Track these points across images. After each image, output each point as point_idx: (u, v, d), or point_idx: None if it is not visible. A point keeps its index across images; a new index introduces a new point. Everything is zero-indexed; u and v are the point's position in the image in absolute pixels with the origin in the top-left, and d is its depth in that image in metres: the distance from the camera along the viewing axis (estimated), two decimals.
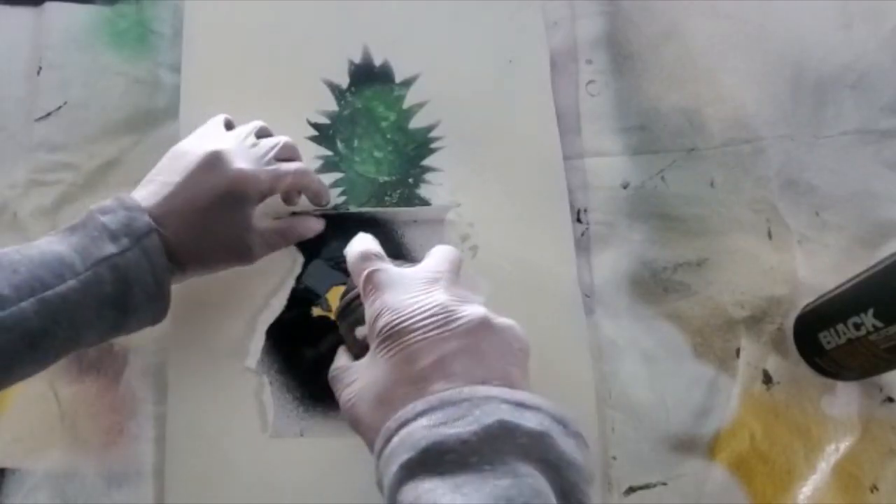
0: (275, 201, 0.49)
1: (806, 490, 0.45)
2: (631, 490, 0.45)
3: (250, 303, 0.48)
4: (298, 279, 0.49)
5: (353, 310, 0.40)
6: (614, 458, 0.46)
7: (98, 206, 0.39)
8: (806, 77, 0.56)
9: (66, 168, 0.51)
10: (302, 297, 0.48)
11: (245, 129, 0.46)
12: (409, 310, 0.34)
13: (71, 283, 0.36)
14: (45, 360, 0.37)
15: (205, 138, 0.45)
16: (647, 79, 0.55)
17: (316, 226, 0.49)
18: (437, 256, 0.39)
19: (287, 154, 0.47)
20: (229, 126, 0.48)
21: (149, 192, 0.41)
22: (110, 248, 0.38)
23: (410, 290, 0.36)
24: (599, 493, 0.45)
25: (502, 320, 0.35)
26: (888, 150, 0.54)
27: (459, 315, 0.34)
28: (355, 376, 0.37)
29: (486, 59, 0.55)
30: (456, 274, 0.38)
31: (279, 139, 0.47)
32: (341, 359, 0.40)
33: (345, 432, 0.45)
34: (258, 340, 0.47)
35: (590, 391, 0.47)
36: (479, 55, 0.55)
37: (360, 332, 0.39)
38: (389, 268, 0.38)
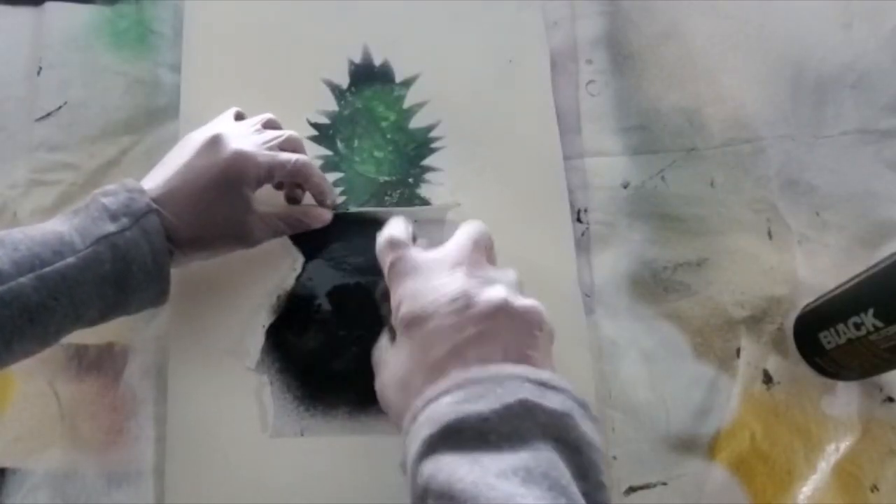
0: (278, 199, 0.49)
1: (806, 490, 0.45)
2: (631, 490, 0.45)
3: (250, 303, 0.48)
4: (298, 279, 0.49)
5: (389, 296, 0.40)
6: (614, 458, 0.46)
7: (101, 189, 0.40)
8: (806, 77, 0.56)
9: (66, 168, 0.51)
10: (302, 297, 0.48)
11: (253, 119, 0.47)
12: (428, 298, 0.35)
13: (70, 260, 0.37)
14: (46, 336, 0.38)
15: (211, 125, 0.46)
16: (647, 79, 0.55)
17: (323, 216, 0.48)
18: (461, 237, 0.38)
19: (291, 147, 0.47)
20: (240, 118, 0.48)
21: (153, 176, 0.42)
22: (109, 227, 0.38)
23: (430, 277, 0.36)
24: None
25: (523, 302, 0.35)
26: (888, 150, 0.54)
27: (477, 300, 0.34)
28: (387, 360, 0.37)
29: (486, 59, 0.55)
30: (481, 253, 0.38)
31: (285, 132, 0.47)
32: (382, 340, 0.40)
33: (345, 432, 0.45)
34: (258, 340, 0.47)
35: (590, 391, 0.47)
36: (479, 55, 0.55)
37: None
38: (412, 255, 0.37)
